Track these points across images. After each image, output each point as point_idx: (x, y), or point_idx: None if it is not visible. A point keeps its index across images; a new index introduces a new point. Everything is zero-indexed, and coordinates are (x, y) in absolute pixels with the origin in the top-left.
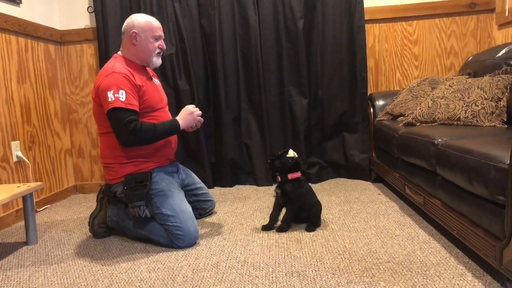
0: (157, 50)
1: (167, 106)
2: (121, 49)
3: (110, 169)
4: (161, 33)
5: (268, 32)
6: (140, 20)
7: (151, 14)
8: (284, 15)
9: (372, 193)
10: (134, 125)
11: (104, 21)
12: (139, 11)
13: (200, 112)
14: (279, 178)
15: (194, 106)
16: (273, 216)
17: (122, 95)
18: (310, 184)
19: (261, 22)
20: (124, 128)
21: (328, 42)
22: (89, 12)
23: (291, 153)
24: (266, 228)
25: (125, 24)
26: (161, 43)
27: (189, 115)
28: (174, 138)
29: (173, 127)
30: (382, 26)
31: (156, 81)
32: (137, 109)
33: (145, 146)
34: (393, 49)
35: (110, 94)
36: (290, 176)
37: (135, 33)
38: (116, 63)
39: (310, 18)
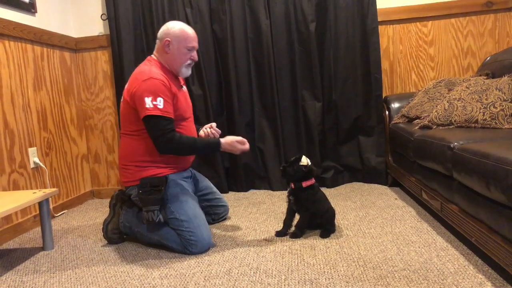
0: (188, 61)
1: (192, 116)
2: (154, 53)
3: (127, 171)
4: (194, 44)
5: (280, 36)
6: (175, 28)
7: (163, 19)
8: (295, 18)
9: (388, 197)
10: (172, 135)
11: (117, 28)
12: (151, 18)
13: (247, 148)
14: (293, 185)
15: (245, 141)
16: (287, 222)
17: (160, 103)
18: (325, 188)
19: (273, 26)
20: (163, 137)
21: (341, 44)
22: (102, 20)
23: (304, 160)
24: (279, 234)
25: (161, 30)
26: (194, 54)
27: (236, 145)
28: None
29: (214, 147)
30: (396, 27)
31: (185, 88)
32: (173, 117)
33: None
34: (408, 51)
35: (148, 101)
36: (304, 184)
37: (169, 41)
38: (152, 67)
39: (322, 20)
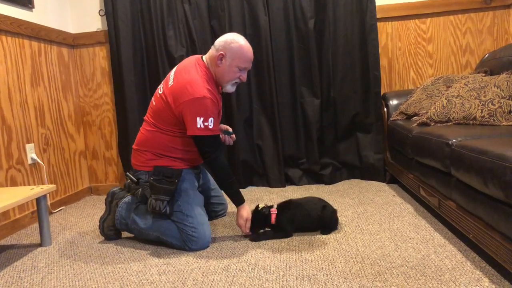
0: (236, 80)
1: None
2: (206, 58)
3: (142, 156)
4: (247, 65)
5: (279, 33)
6: (234, 44)
7: (161, 15)
8: (294, 15)
9: (386, 194)
10: (218, 156)
11: (115, 24)
12: (149, 14)
13: (243, 230)
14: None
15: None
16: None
17: (211, 123)
18: (323, 185)
19: (272, 22)
20: (211, 154)
21: (339, 41)
22: (100, 16)
23: (260, 205)
24: (254, 239)
25: (221, 38)
26: (243, 75)
27: (243, 222)
28: None
29: (239, 197)
30: (394, 24)
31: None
32: (219, 133)
33: (188, 152)
34: (406, 48)
35: (199, 121)
36: (272, 219)
37: (223, 55)
38: (204, 81)
39: (321, 17)
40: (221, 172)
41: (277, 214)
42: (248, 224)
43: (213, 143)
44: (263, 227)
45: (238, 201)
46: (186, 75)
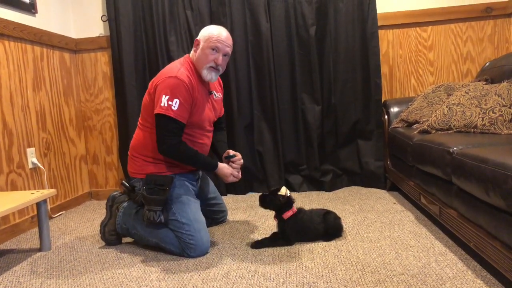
0: (211, 64)
1: (212, 128)
2: (192, 52)
3: (134, 162)
4: (219, 45)
5: (280, 39)
6: (207, 29)
7: (163, 21)
8: (296, 22)
9: (387, 202)
10: (177, 142)
11: (118, 30)
12: (151, 20)
13: (236, 180)
14: (275, 218)
15: (238, 170)
16: (265, 242)
17: (175, 104)
18: (323, 192)
19: (273, 29)
20: (167, 139)
21: (340, 48)
22: (103, 21)
23: (283, 190)
24: (254, 246)
25: None
26: (218, 57)
27: (228, 177)
28: (205, 153)
29: (210, 168)
30: (395, 31)
31: (217, 95)
32: (185, 123)
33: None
34: (407, 55)
35: (164, 99)
36: (285, 215)
37: (198, 41)
38: (183, 67)
39: (322, 24)
40: (184, 157)
41: (285, 221)
42: (236, 173)
43: (173, 128)
44: (270, 208)
45: (212, 167)
46: (168, 66)
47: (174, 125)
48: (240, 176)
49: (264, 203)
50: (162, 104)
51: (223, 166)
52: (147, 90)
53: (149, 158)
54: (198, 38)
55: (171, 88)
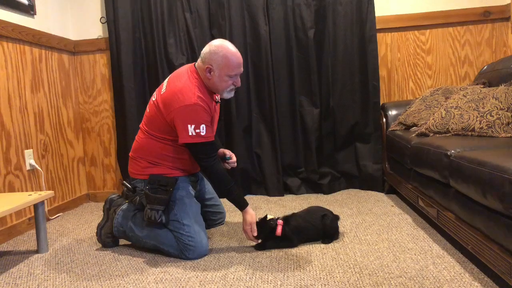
0: (231, 87)
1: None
2: (197, 65)
3: (137, 163)
4: (237, 71)
5: (279, 42)
6: (218, 55)
7: (162, 23)
8: (294, 25)
9: (385, 204)
10: (214, 162)
11: (116, 32)
12: (150, 22)
13: (249, 236)
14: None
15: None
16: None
17: (203, 130)
18: (322, 194)
19: (272, 32)
20: (206, 161)
21: (339, 51)
22: (101, 23)
23: (269, 216)
24: (259, 248)
25: (205, 49)
26: (236, 80)
27: (248, 227)
28: None
29: (238, 204)
30: (394, 35)
31: (218, 100)
32: (213, 139)
33: (179, 160)
34: (405, 58)
35: (190, 129)
36: (277, 233)
37: (210, 68)
38: (195, 88)
39: (321, 27)
40: (218, 179)
41: (282, 226)
42: (254, 227)
43: (207, 149)
44: (267, 238)
45: (241, 206)
46: (178, 82)
47: (208, 147)
48: (252, 238)
49: (264, 235)
50: (190, 134)
51: (249, 212)
52: (155, 103)
53: (153, 162)
54: (210, 64)
55: (193, 116)
